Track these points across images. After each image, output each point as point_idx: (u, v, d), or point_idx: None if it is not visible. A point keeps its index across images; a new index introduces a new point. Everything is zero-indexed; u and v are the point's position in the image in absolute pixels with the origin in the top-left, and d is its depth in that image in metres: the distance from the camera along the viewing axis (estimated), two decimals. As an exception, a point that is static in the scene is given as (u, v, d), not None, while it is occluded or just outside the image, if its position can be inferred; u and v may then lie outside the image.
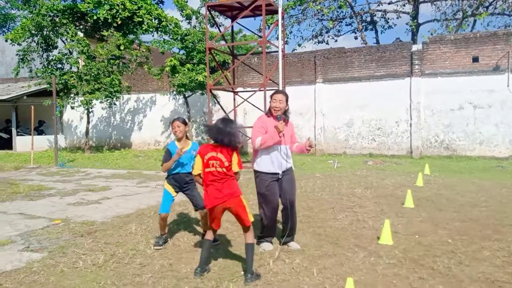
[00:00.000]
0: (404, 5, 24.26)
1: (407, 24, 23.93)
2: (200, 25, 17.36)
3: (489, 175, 10.25)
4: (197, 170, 3.95)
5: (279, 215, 4.82)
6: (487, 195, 7.69)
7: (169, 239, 5.09)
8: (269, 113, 4.69)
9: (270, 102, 4.68)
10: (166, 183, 4.92)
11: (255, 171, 4.68)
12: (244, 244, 4.01)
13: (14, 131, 20.21)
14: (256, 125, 4.64)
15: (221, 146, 3.85)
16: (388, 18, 25.49)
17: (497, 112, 13.95)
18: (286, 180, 4.66)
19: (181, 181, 4.86)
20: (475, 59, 14.16)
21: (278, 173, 4.60)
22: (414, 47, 15.10)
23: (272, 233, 4.83)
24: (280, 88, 12.22)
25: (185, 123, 4.86)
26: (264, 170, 4.59)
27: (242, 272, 4.00)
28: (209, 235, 4.07)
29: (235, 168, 3.88)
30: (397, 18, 25.23)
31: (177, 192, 4.91)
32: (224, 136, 3.80)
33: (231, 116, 14.33)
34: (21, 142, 19.82)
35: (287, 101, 4.65)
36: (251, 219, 3.93)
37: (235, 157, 3.87)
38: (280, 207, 4.75)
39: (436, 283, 3.75)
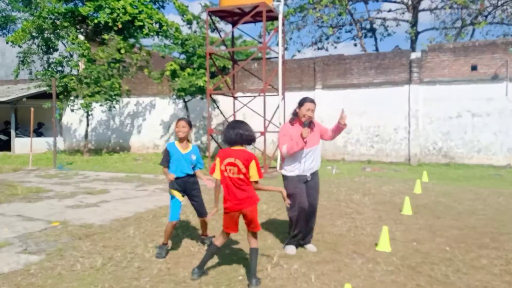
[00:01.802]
0: (403, 13, 24.44)
1: (406, 32, 24.09)
2: (200, 30, 17.45)
3: (486, 183, 10.28)
4: (216, 174, 3.89)
5: None
6: (485, 203, 7.71)
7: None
8: (293, 120, 4.77)
9: (299, 109, 4.72)
10: (171, 189, 4.73)
11: (284, 176, 4.84)
12: (241, 250, 4.01)
13: (13, 132, 20.20)
14: (281, 133, 4.78)
15: (239, 151, 3.83)
16: (388, 26, 25.66)
17: (495, 121, 14.01)
18: (311, 184, 4.80)
19: (184, 185, 4.73)
20: (474, 68, 14.24)
21: (306, 176, 4.75)
22: (413, 55, 15.18)
23: (301, 237, 4.86)
24: (280, 94, 12.27)
25: (190, 125, 4.77)
26: (292, 174, 4.74)
27: (240, 278, 4.00)
28: (219, 241, 4.03)
29: (254, 177, 3.82)
30: (397, 26, 25.45)
31: (183, 196, 4.77)
32: (238, 131, 3.82)
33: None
34: (20, 144, 19.82)
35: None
36: (259, 227, 3.97)
37: (253, 165, 3.80)
38: None
39: (434, 290, 3.76)
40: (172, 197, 4.72)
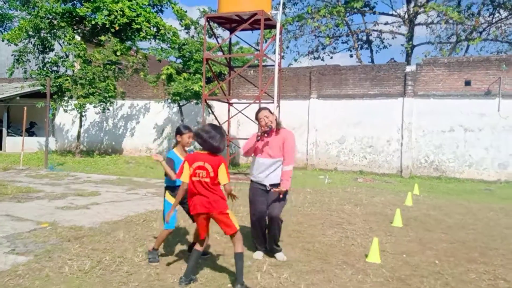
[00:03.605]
0: (399, 26, 24.66)
1: (402, 45, 24.34)
2: (198, 36, 17.50)
3: (477, 198, 10.35)
4: (185, 177, 3.88)
5: None
6: (475, 217, 7.77)
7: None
8: (260, 133, 4.80)
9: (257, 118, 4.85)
10: (168, 195, 4.62)
11: (250, 180, 4.95)
12: (231, 256, 4.00)
13: (4, 131, 20.03)
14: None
15: (208, 155, 3.86)
16: (384, 38, 25.86)
17: (487, 136, 14.16)
18: (272, 195, 4.70)
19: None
20: (467, 83, 14.41)
21: (265, 185, 4.72)
22: (408, 68, 15.33)
23: (260, 242, 4.94)
24: (275, 102, 12.31)
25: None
26: (253, 179, 4.85)
27: (229, 285, 3.99)
28: (198, 246, 4.06)
29: (223, 180, 3.85)
30: (393, 38, 25.63)
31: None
32: (215, 140, 3.83)
33: (225, 127, 14.37)
34: (11, 143, 19.65)
35: (274, 117, 4.84)
36: (237, 226, 3.91)
37: (222, 169, 3.84)
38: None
39: (422, 303, 3.77)
40: (167, 203, 4.62)
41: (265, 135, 4.74)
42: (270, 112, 4.81)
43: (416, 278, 4.37)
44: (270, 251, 4.92)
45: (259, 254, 4.90)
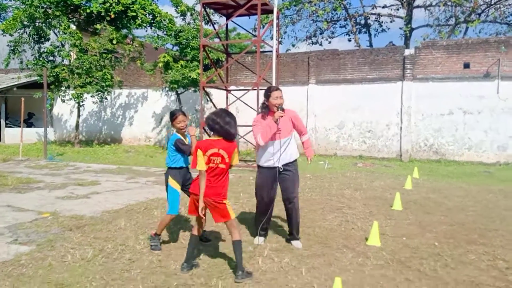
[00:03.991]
0: (398, 9, 24.44)
1: (400, 28, 24.18)
2: (194, 22, 17.32)
3: (476, 180, 10.39)
4: (201, 165, 3.78)
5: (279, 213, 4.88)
6: (474, 199, 7.80)
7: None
8: (265, 114, 4.67)
9: (267, 100, 4.63)
10: (171, 179, 4.61)
11: (257, 166, 4.84)
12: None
13: (2, 122, 19.97)
14: (254, 123, 4.69)
15: (223, 141, 3.82)
16: (382, 22, 25.65)
17: (486, 118, 14.14)
18: (286, 177, 4.68)
19: (184, 176, 4.68)
20: (466, 65, 14.34)
21: (276, 167, 4.64)
22: (407, 52, 15.24)
23: (264, 228, 4.91)
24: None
25: (186, 116, 4.76)
26: (263, 164, 4.72)
27: (231, 270, 4.02)
28: (195, 230, 4.07)
29: (236, 161, 3.89)
30: (391, 22, 25.44)
31: (180, 187, 4.68)
32: (235, 129, 3.83)
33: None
34: (10, 134, 19.63)
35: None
36: (232, 216, 3.86)
37: (236, 152, 3.87)
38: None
39: (422, 284, 3.81)
40: (171, 188, 4.62)
41: (281, 117, 4.55)
42: (280, 90, 4.72)
43: (416, 260, 4.41)
44: (289, 237, 4.91)
45: (260, 240, 4.91)
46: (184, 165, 4.70)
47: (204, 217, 3.95)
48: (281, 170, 4.65)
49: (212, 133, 3.93)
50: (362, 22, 25.73)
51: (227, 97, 14.55)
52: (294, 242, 4.85)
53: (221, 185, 3.84)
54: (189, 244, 4.08)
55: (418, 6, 23.88)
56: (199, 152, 3.80)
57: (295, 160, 4.78)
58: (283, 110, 4.59)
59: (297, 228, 4.85)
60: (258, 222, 4.87)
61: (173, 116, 4.68)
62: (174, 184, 4.61)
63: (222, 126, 3.80)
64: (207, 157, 3.79)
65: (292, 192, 4.70)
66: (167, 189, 4.69)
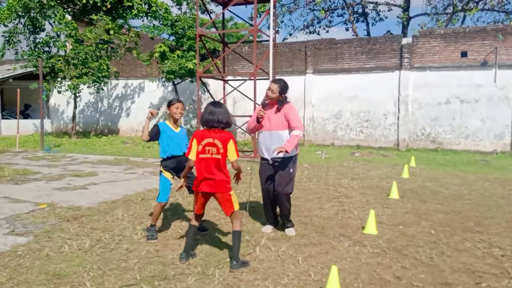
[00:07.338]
0: (395, -2, 24.33)
1: (398, 17, 24.01)
2: (190, 12, 17.19)
3: (473, 169, 10.43)
4: (192, 155, 3.86)
5: None
6: (471, 188, 7.84)
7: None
8: (265, 105, 4.82)
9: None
10: (162, 169, 4.69)
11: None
12: (231, 232, 4.03)
13: (-1, 114, 19.89)
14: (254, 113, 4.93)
15: (218, 131, 3.83)
16: (380, 11, 25.54)
17: (483, 107, 14.15)
18: (277, 170, 4.75)
19: (178, 164, 4.67)
20: (464, 54, 14.30)
21: (267, 159, 4.75)
22: (404, 40, 15.17)
23: (270, 216, 5.05)
24: (271, 78, 12.20)
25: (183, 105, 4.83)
26: (260, 155, 4.91)
27: (228, 259, 4.03)
28: (194, 221, 4.09)
29: (232, 156, 3.83)
30: (389, 10, 25.29)
31: (173, 177, 4.73)
32: (217, 116, 3.81)
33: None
34: (6, 126, 19.54)
35: (280, 91, 4.73)
36: (236, 207, 3.90)
37: (231, 144, 3.82)
38: None
39: (418, 272, 3.83)
40: (163, 177, 4.69)
41: (265, 106, 4.75)
42: (280, 84, 4.74)
43: (412, 248, 4.44)
44: (282, 226, 5.02)
45: (268, 228, 5.00)
46: (176, 154, 4.68)
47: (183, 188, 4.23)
48: (270, 162, 4.74)
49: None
50: (360, 10, 25.61)
51: (224, 87, 14.50)
52: (286, 230, 4.93)
53: (221, 174, 3.84)
54: (188, 234, 4.09)
55: (416, -5, 23.72)
56: (194, 142, 3.89)
57: (289, 156, 4.68)
58: (271, 101, 4.75)
59: (285, 217, 4.92)
60: (265, 212, 5.10)
61: (170, 103, 4.76)
62: (165, 174, 4.70)
63: (213, 120, 3.83)
64: (202, 146, 3.83)
65: (279, 184, 4.73)
66: (160, 178, 4.76)
